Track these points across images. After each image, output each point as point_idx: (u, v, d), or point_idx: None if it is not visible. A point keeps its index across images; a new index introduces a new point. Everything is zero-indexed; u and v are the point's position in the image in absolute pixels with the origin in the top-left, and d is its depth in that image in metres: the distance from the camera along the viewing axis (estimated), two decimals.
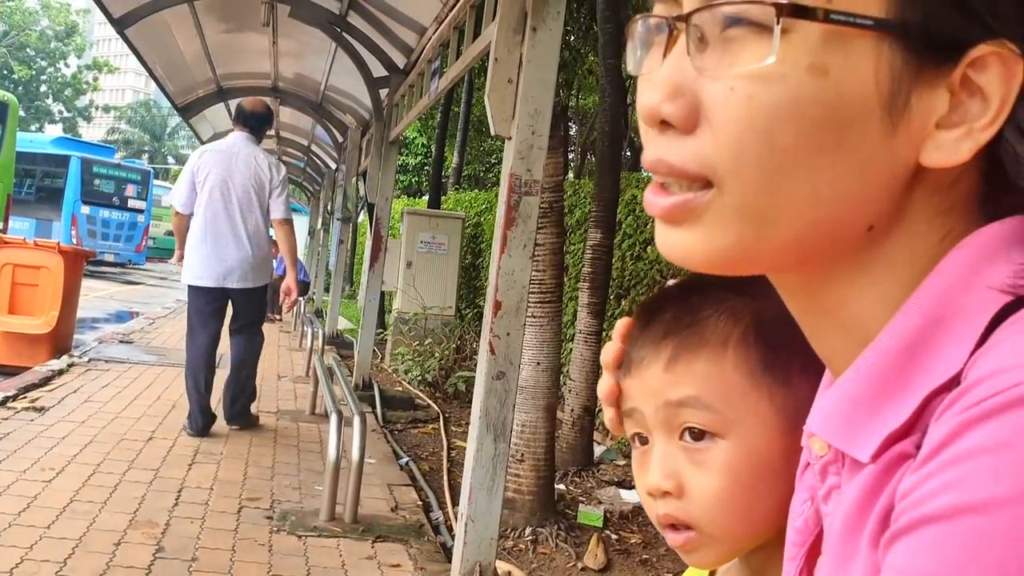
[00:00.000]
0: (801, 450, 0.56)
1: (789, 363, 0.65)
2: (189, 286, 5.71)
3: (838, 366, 0.50)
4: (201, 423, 5.60)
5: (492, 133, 3.43)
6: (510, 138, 3.38)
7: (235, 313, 5.88)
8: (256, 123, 5.88)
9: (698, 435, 0.66)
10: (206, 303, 5.67)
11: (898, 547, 0.39)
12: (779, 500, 0.61)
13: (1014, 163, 0.45)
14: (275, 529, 4.12)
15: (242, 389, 5.94)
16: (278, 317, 14.67)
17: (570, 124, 19.06)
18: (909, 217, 0.47)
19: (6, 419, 5.50)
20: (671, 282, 0.73)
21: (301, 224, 30.34)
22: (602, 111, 6.51)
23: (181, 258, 5.82)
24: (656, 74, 0.47)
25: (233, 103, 11.28)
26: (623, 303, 7.29)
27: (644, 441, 0.69)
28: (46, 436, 5.20)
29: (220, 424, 5.86)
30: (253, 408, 6.16)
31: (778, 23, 0.43)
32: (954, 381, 0.42)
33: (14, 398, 6.07)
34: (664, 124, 0.46)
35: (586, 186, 8.67)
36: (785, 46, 0.43)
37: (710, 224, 0.46)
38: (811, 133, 0.44)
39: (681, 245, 0.48)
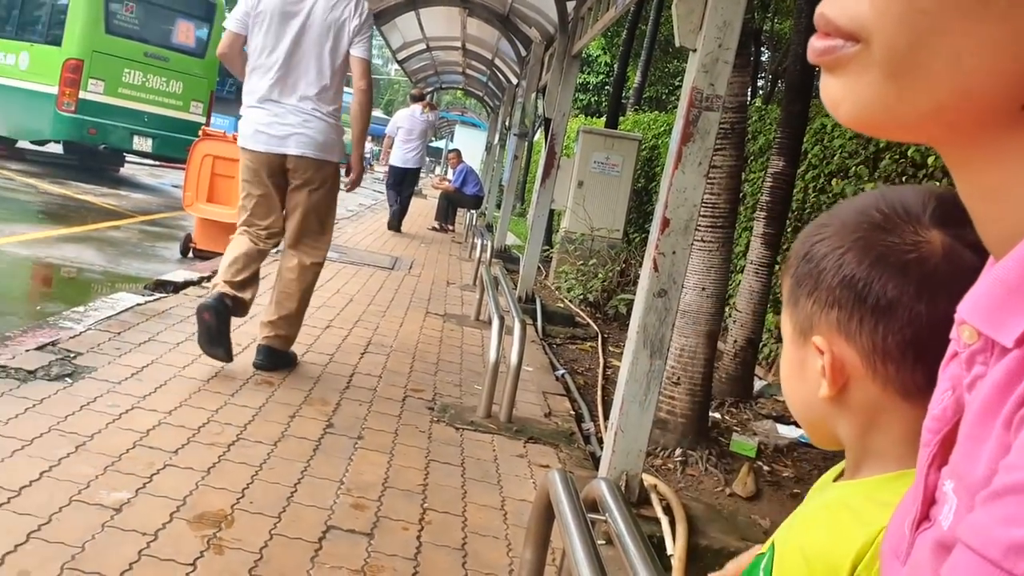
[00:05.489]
0: None
1: None
2: None
3: (1000, 257, 0.48)
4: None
5: (677, 44, 3.34)
6: (695, 50, 3.28)
7: None
8: None
9: None
10: None
11: None
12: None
13: None
14: (435, 419, 4.33)
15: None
16: (451, 228, 15.10)
17: (763, 49, 18.24)
18: None
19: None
20: None
21: (479, 139, 30.73)
22: (796, 32, 6.18)
23: None
24: None
25: (424, 13, 11.50)
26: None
27: None
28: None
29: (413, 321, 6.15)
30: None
31: None
32: None
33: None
34: None
35: (772, 112, 8.31)
36: None
37: (854, 76, 0.45)
38: None
39: (832, 92, 0.47)
